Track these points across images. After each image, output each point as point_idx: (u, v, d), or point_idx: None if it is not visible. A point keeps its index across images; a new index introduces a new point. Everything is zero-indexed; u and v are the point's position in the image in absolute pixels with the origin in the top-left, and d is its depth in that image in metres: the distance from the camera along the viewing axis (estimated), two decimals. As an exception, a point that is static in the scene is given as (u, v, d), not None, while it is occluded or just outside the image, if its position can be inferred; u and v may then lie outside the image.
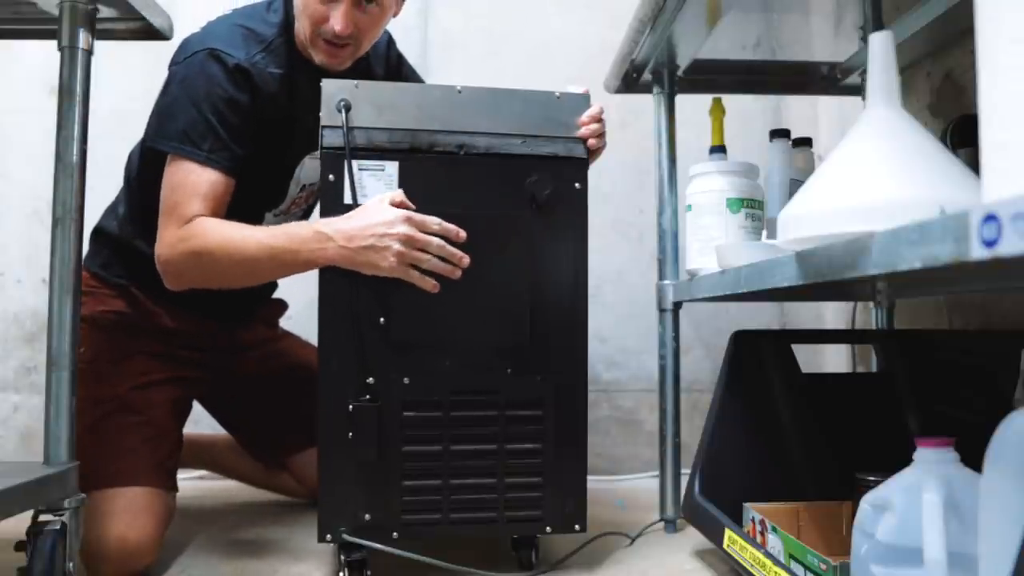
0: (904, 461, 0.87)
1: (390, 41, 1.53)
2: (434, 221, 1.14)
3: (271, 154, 1.33)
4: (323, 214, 1.16)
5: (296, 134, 1.34)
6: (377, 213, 1.12)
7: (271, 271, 1.25)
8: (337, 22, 1.25)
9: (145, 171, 1.36)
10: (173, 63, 1.29)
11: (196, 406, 1.56)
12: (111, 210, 1.47)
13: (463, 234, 1.15)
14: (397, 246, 1.11)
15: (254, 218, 1.38)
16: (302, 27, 1.29)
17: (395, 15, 1.35)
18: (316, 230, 1.14)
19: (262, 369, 1.58)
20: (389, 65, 1.52)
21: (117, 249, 1.42)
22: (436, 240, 1.14)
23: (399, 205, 1.13)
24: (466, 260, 1.15)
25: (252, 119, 1.27)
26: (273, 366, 1.59)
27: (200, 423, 1.67)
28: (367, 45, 1.34)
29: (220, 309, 1.48)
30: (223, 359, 1.52)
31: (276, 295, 1.68)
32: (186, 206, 1.21)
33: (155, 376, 1.38)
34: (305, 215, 1.53)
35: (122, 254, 1.42)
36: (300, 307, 1.75)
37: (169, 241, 1.21)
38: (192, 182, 1.22)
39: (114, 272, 1.42)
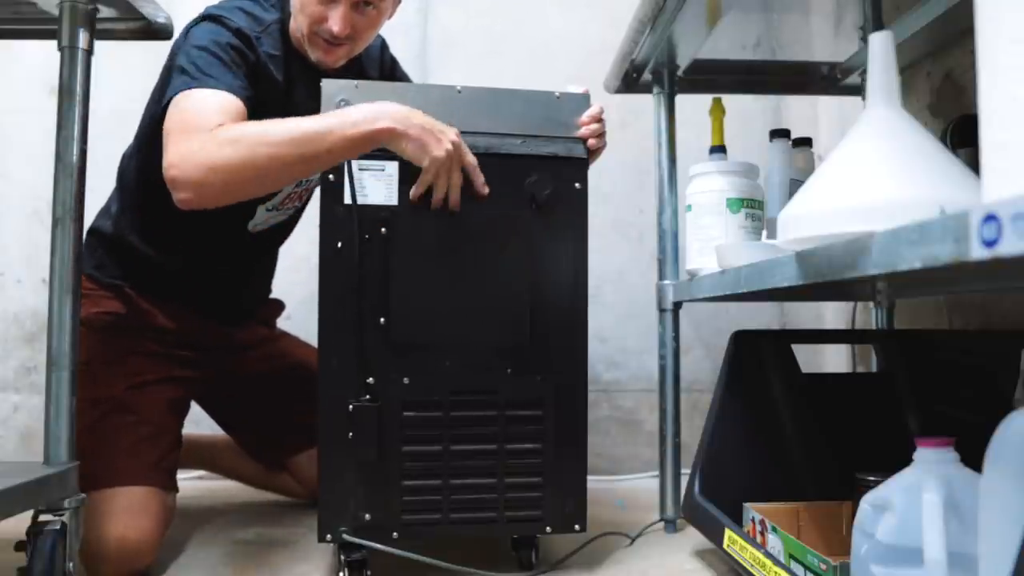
0: (904, 461, 0.87)
1: (384, 45, 1.54)
2: (470, 154, 1.16)
3: None
4: (323, 215, 1.15)
5: None
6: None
7: (317, 155, 1.10)
8: (335, 23, 1.25)
9: (141, 165, 1.36)
10: (175, 44, 1.28)
11: (196, 407, 1.56)
12: (104, 210, 1.47)
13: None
14: (450, 146, 1.12)
15: (246, 211, 1.38)
16: (299, 25, 1.30)
17: (390, 17, 1.36)
18: (369, 107, 1.11)
19: (260, 369, 1.57)
20: (383, 68, 1.53)
21: (111, 248, 1.42)
22: (474, 160, 1.16)
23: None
24: (486, 190, 1.17)
25: (252, 82, 1.24)
26: (272, 366, 1.59)
27: (200, 423, 1.67)
28: (363, 45, 1.35)
29: (217, 308, 1.48)
30: (221, 359, 1.52)
31: (274, 295, 1.68)
32: (206, 118, 1.12)
33: (151, 376, 1.38)
34: (299, 212, 1.53)
35: (116, 253, 1.42)
36: (298, 307, 1.76)
37: (192, 146, 1.09)
38: (210, 102, 1.15)
39: (108, 273, 1.42)
